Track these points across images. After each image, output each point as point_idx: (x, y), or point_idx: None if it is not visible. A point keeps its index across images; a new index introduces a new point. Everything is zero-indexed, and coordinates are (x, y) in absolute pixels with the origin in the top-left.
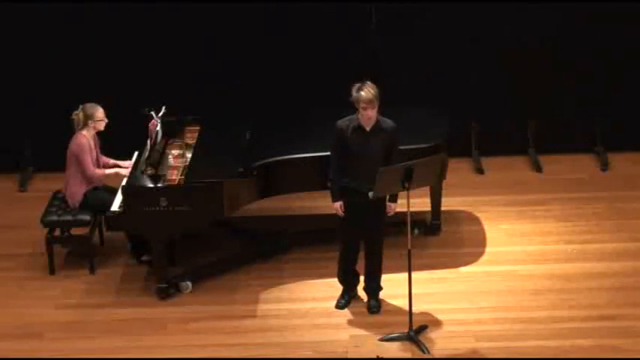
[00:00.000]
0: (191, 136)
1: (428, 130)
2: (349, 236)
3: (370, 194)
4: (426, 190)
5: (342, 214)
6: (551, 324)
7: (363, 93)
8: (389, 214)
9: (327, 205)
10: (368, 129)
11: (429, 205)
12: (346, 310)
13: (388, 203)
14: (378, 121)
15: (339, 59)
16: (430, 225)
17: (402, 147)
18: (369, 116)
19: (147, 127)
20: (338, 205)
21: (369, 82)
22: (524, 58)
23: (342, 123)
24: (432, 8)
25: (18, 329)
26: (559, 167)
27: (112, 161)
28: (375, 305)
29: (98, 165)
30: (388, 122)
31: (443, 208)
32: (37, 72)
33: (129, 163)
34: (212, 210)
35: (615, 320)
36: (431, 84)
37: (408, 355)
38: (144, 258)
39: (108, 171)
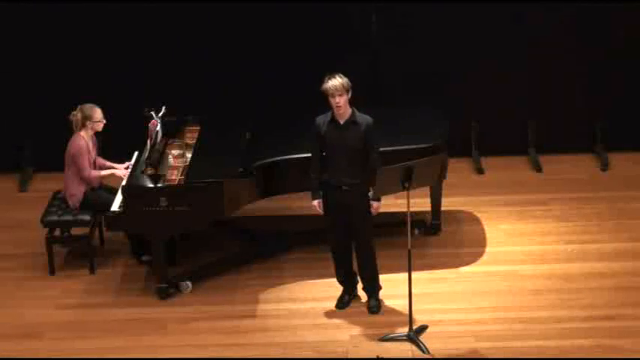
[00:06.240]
0: (191, 136)
1: (428, 130)
2: (336, 235)
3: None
4: (426, 190)
5: (321, 212)
6: (552, 324)
7: (330, 82)
8: (373, 213)
9: None
10: (342, 122)
11: (429, 205)
12: (346, 310)
13: (371, 202)
14: (352, 115)
15: (340, 60)
16: (430, 225)
17: (402, 147)
18: (337, 104)
19: (147, 127)
20: (316, 202)
21: (338, 73)
22: (525, 58)
23: (319, 119)
24: (432, 9)
25: (18, 329)
26: (559, 167)
27: (108, 163)
28: (374, 305)
29: (95, 166)
30: (364, 117)
31: (443, 208)
32: (37, 72)
33: (125, 165)
34: (212, 210)
35: (615, 320)
36: (431, 84)
37: (408, 355)
38: (144, 258)
39: (104, 172)
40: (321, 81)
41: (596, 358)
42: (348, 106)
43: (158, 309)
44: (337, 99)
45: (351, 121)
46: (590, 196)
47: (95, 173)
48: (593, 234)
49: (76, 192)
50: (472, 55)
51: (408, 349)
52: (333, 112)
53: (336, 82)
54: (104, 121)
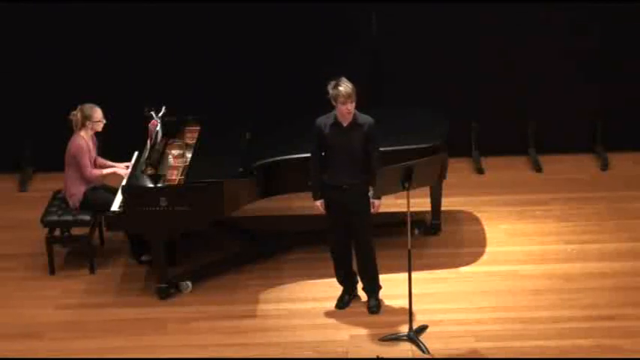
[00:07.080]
0: (191, 136)
1: (428, 130)
2: (336, 235)
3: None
4: (426, 190)
5: (324, 211)
6: (552, 324)
7: (341, 88)
8: (373, 212)
9: None
10: (345, 124)
11: (429, 205)
12: (346, 310)
13: (372, 200)
14: (355, 117)
15: (340, 60)
16: (430, 225)
17: (402, 147)
18: (348, 111)
19: (147, 127)
20: (319, 202)
21: (344, 78)
22: (525, 58)
23: (320, 120)
24: (432, 9)
25: (18, 329)
26: (559, 167)
27: (108, 163)
28: (374, 305)
29: (95, 166)
30: (366, 117)
31: (443, 208)
32: (37, 72)
33: (125, 165)
34: (212, 210)
35: (615, 320)
36: (431, 84)
37: (408, 355)
38: (144, 258)
39: (105, 171)
40: (320, 81)
41: (596, 358)
42: None
43: (158, 309)
44: (348, 106)
45: (355, 123)
46: (590, 196)
47: (97, 172)
48: (593, 234)
49: (76, 192)
50: (472, 55)
51: (408, 349)
52: (336, 115)
53: (347, 89)
54: (104, 121)
